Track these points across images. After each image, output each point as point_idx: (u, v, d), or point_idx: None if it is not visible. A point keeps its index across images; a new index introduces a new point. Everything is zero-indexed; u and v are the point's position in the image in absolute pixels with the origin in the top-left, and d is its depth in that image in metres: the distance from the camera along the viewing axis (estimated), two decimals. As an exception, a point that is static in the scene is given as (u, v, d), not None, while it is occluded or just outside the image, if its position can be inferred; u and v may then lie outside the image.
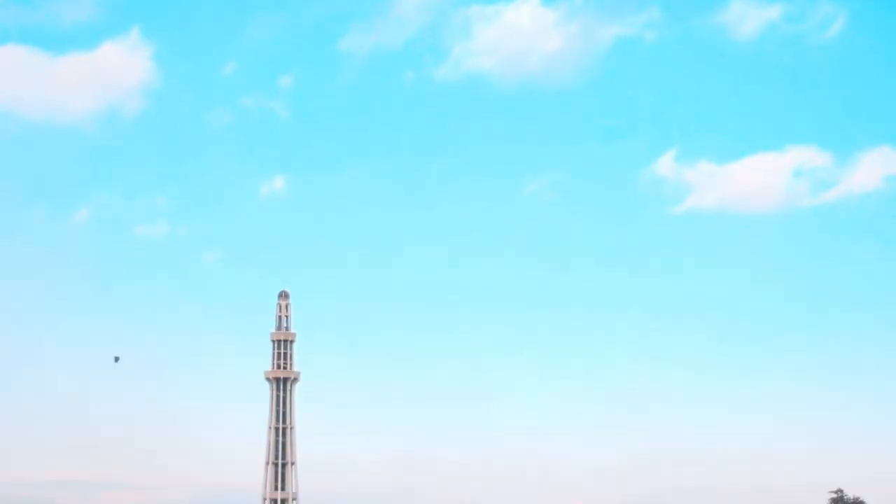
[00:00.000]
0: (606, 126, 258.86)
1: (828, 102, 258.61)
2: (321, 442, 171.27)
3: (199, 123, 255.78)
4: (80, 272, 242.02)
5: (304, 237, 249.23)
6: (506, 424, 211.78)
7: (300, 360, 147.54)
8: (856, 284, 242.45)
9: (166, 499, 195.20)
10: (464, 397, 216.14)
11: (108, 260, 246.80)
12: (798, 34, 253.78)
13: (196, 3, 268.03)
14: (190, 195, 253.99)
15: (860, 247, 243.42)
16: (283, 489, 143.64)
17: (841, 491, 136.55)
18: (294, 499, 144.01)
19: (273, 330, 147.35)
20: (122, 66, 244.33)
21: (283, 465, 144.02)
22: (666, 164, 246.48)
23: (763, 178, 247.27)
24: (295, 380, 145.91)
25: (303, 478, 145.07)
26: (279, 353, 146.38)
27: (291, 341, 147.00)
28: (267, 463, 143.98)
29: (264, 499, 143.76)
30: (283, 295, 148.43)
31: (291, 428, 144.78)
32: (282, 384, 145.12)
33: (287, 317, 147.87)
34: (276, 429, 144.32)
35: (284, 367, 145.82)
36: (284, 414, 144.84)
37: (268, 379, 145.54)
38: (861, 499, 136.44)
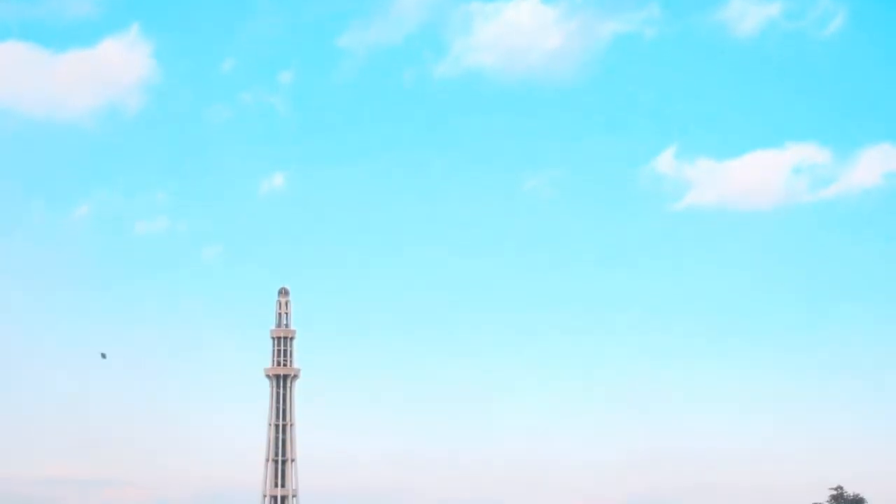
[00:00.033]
0: (606, 123, 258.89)
1: (828, 99, 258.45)
2: (321, 439, 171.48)
3: (199, 120, 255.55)
4: (81, 268, 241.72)
5: (305, 233, 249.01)
6: (506, 421, 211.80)
7: (300, 356, 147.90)
8: (856, 281, 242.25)
9: (167, 495, 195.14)
10: (463, 394, 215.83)
11: (109, 256, 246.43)
12: (798, 31, 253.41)
13: (196, 0, 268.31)
14: (190, 191, 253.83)
15: (860, 244, 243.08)
16: (282, 486, 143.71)
17: (841, 488, 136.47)
18: (294, 495, 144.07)
19: (273, 326, 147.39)
20: (122, 63, 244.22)
21: (283, 462, 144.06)
22: (665, 160, 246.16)
23: (763, 174, 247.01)
24: (295, 376, 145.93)
25: (303, 474, 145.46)
26: (279, 350, 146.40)
27: (291, 338, 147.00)
28: (267, 460, 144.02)
29: (264, 495, 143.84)
30: (283, 291, 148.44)
31: (291, 425, 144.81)
32: (282, 381, 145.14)
33: (287, 313, 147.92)
34: (276, 425, 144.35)
35: (284, 364, 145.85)
36: (284, 411, 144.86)
37: (268, 376, 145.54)
38: (861, 496, 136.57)
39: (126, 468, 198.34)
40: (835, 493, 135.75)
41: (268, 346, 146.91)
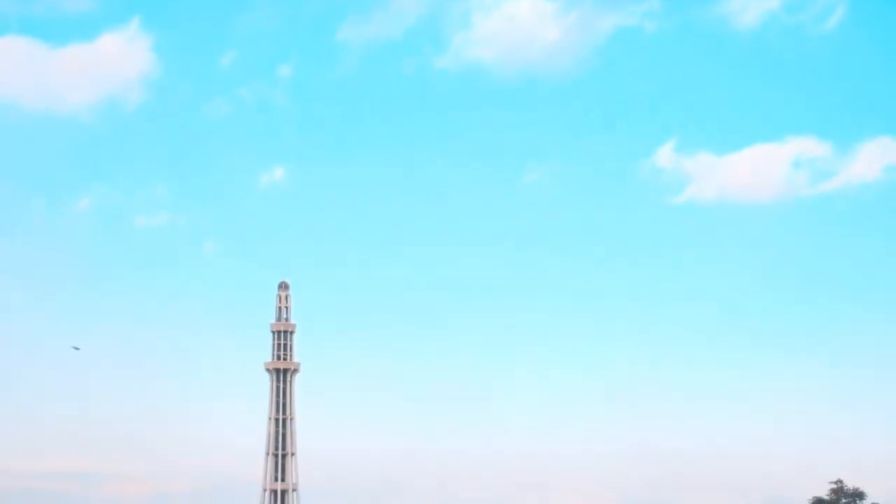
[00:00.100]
0: (606, 117, 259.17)
1: (827, 93, 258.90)
2: (321, 433, 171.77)
3: (198, 114, 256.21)
4: (81, 262, 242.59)
5: (304, 227, 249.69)
6: (505, 416, 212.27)
7: (300, 351, 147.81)
8: (855, 274, 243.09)
9: (168, 489, 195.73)
10: (463, 388, 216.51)
11: (109, 250, 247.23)
12: (798, 25, 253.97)
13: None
14: (190, 186, 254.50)
15: (859, 237, 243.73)
16: (283, 480, 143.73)
17: (841, 482, 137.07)
18: (294, 489, 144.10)
19: (273, 321, 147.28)
20: (121, 58, 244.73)
21: (283, 456, 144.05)
22: (665, 154, 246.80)
23: (762, 168, 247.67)
24: (295, 371, 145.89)
25: (303, 468, 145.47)
26: (279, 344, 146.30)
27: (291, 332, 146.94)
28: (267, 454, 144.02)
29: (264, 489, 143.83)
30: (283, 286, 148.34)
31: (291, 419, 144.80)
32: (282, 375, 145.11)
33: (287, 308, 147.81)
34: (277, 420, 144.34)
35: (284, 358, 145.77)
36: (284, 405, 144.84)
37: (268, 370, 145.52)
38: (861, 489, 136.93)
39: (127, 462, 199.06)
40: (835, 486, 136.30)
41: (268, 341, 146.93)
